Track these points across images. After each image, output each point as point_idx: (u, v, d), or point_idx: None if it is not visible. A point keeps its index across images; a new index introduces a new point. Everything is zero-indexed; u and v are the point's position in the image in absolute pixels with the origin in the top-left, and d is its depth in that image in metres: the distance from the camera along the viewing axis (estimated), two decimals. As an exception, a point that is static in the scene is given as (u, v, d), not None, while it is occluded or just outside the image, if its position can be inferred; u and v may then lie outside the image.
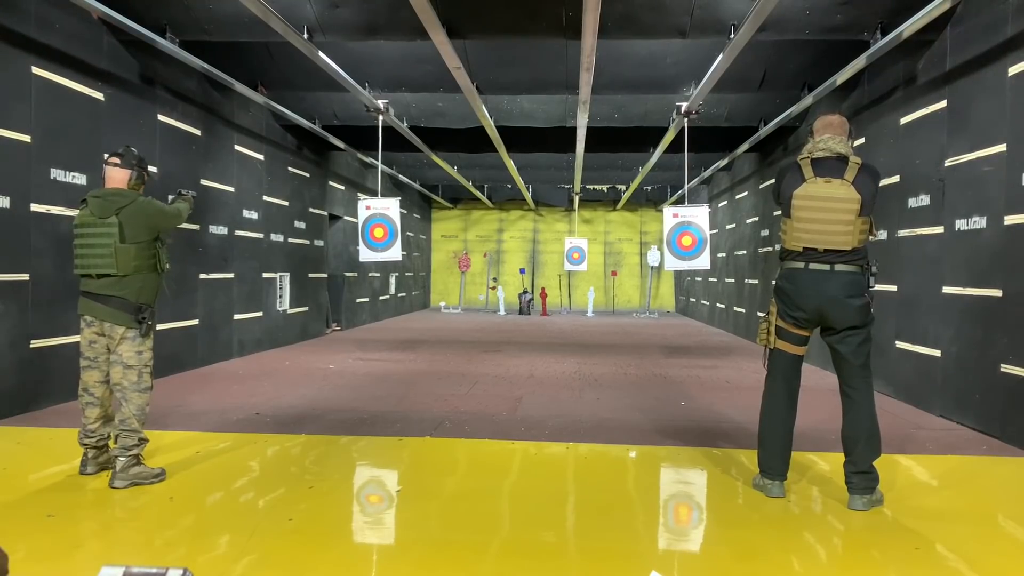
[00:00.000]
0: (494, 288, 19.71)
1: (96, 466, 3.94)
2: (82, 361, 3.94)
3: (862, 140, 7.48)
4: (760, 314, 10.16)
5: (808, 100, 7.76)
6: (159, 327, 7.16)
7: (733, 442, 4.85)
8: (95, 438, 3.92)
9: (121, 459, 3.73)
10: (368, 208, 8.31)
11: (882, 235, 6.91)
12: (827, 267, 3.58)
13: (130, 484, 3.70)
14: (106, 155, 3.99)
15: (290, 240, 10.49)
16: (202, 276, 8.03)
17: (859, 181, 3.54)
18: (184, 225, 7.52)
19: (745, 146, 10.50)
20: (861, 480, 3.55)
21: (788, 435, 3.75)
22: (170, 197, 4.27)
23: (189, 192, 4.33)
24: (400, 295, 17.37)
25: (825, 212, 3.55)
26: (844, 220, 3.52)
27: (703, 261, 8.06)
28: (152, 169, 6.97)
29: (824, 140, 3.65)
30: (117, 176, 3.88)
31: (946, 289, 5.71)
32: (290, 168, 10.57)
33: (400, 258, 8.43)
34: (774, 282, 3.82)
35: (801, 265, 3.64)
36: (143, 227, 3.82)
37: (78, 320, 3.95)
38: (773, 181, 3.94)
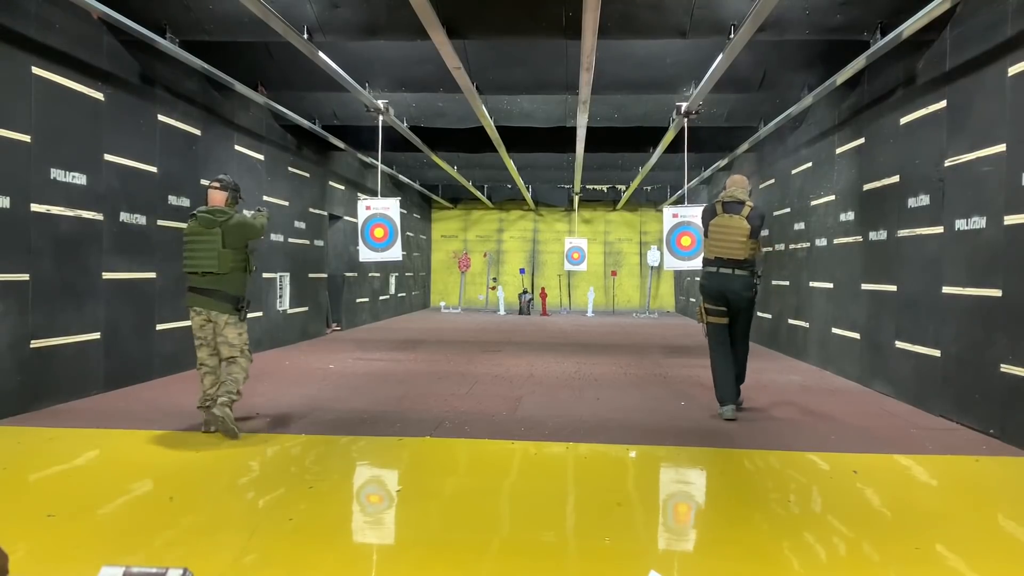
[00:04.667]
0: (494, 288, 19.70)
1: (210, 424, 4.84)
2: (196, 341, 4.96)
3: (862, 140, 7.49)
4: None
5: (808, 100, 7.76)
6: (159, 327, 7.19)
7: (733, 442, 4.85)
8: (211, 401, 4.86)
9: (221, 399, 4.71)
10: (368, 208, 8.31)
11: (882, 235, 6.91)
12: (729, 271, 5.53)
13: (223, 419, 4.65)
14: (208, 181, 5.13)
15: (290, 240, 10.49)
16: (202, 276, 8.02)
17: (750, 217, 5.50)
18: (184, 225, 7.55)
19: (745, 146, 10.51)
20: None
21: (731, 373, 5.63)
22: (249, 213, 5.18)
23: (264, 209, 5.40)
24: (400, 295, 17.37)
25: (728, 235, 5.52)
26: (740, 241, 5.49)
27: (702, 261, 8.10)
28: (152, 169, 7.02)
29: (731, 191, 5.67)
30: (218, 197, 5.01)
31: (946, 289, 5.71)
32: (290, 168, 10.57)
33: (400, 258, 8.43)
34: (698, 279, 5.83)
35: (714, 269, 5.61)
36: (239, 236, 4.92)
37: (187, 311, 5.00)
38: (701, 213, 5.93)
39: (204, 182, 7.93)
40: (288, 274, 10.40)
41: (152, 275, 7.07)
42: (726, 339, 5.65)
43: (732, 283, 5.52)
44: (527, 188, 17.47)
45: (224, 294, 4.86)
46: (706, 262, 5.70)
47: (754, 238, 5.49)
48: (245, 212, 5.23)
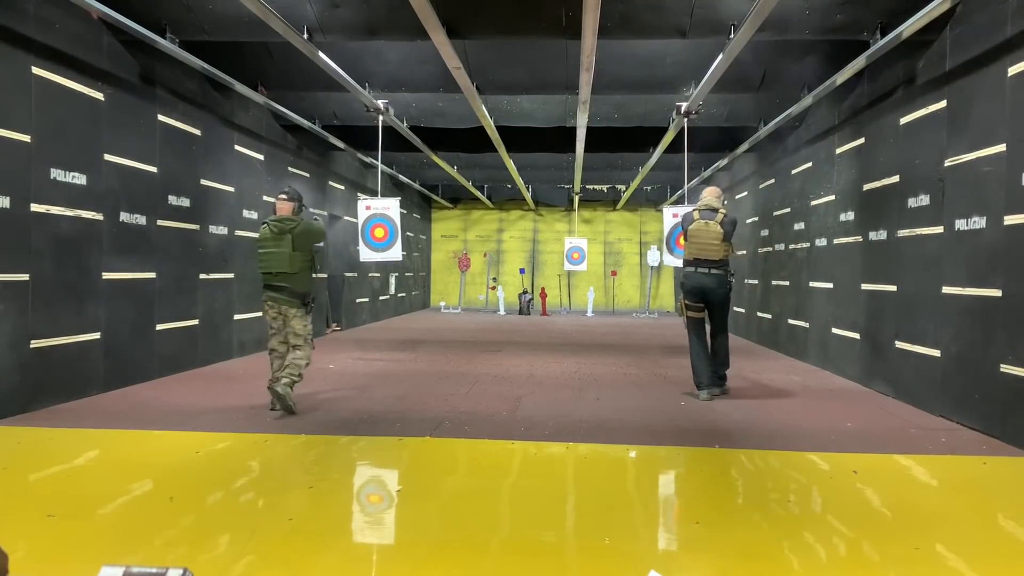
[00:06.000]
0: (494, 288, 19.70)
1: (276, 402, 5.51)
2: (269, 331, 5.76)
3: (862, 140, 7.49)
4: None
5: (808, 100, 7.76)
6: (159, 327, 7.19)
7: (733, 442, 4.85)
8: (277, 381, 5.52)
9: (284, 380, 5.43)
10: (368, 208, 8.31)
11: (882, 235, 6.92)
12: (707, 270, 6.34)
13: (283, 396, 5.38)
14: (278, 193, 5.78)
15: (290, 240, 10.47)
16: (202, 276, 8.03)
17: (723, 223, 6.35)
18: (183, 225, 7.58)
19: (745, 146, 10.51)
20: (721, 381, 6.52)
21: (708, 362, 6.43)
22: (309, 218, 5.82)
23: (317, 217, 5.97)
24: (400, 295, 17.37)
25: (704, 238, 6.36)
26: (715, 243, 6.33)
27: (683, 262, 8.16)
28: (152, 169, 7.02)
29: (706, 200, 6.54)
30: (286, 207, 5.70)
31: (946, 289, 5.71)
32: (290, 168, 10.57)
33: (401, 258, 8.43)
34: (680, 279, 6.64)
35: (692, 268, 6.42)
36: (306, 241, 5.65)
37: (263, 304, 5.71)
38: (680, 221, 7.03)
39: (204, 182, 8.00)
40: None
41: (152, 275, 7.07)
42: (703, 331, 6.49)
43: (709, 280, 6.34)
44: (527, 188, 17.47)
45: (293, 291, 5.60)
46: (686, 263, 6.49)
47: (727, 241, 6.36)
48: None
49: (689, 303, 6.43)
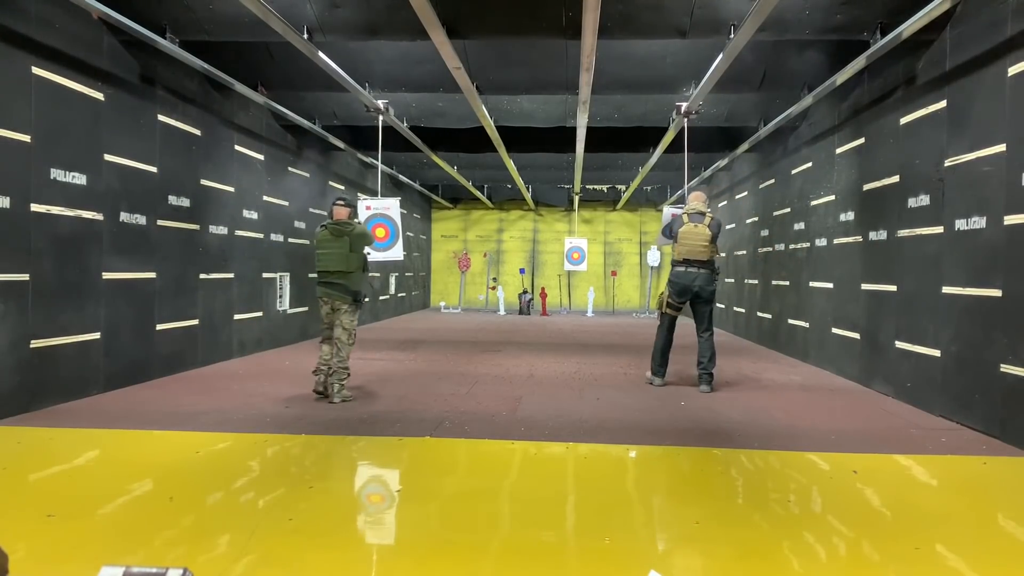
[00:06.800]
0: (494, 288, 19.70)
1: (320, 386, 6.20)
2: (322, 325, 6.35)
3: (862, 140, 7.49)
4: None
5: (808, 100, 7.76)
6: (159, 327, 7.19)
7: (733, 442, 4.85)
8: (325, 368, 6.20)
9: (336, 386, 6.05)
10: (369, 208, 8.32)
11: (882, 235, 6.92)
12: (696, 269, 6.82)
13: (341, 401, 6.02)
14: (335, 199, 6.39)
15: (290, 240, 10.49)
16: (202, 276, 8.03)
17: (710, 225, 6.82)
18: (183, 225, 7.58)
19: (745, 146, 10.51)
20: (709, 377, 6.87)
21: (667, 354, 7.11)
22: (358, 222, 6.49)
23: (359, 221, 6.72)
24: (400, 295, 17.37)
25: (694, 240, 6.81)
26: (703, 245, 6.80)
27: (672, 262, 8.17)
28: (152, 169, 7.01)
29: (693, 205, 7.00)
30: (343, 213, 6.32)
31: (946, 289, 5.71)
32: (290, 168, 10.57)
33: (402, 258, 8.43)
34: (669, 277, 6.98)
35: (683, 268, 6.87)
36: (361, 243, 6.28)
37: (318, 299, 6.31)
38: (663, 224, 7.32)
39: (204, 182, 8.00)
40: (288, 274, 10.40)
41: (152, 275, 7.07)
42: (673, 327, 7.09)
43: (698, 279, 6.82)
44: (527, 188, 17.47)
45: (346, 288, 6.17)
46: (675, 263, 6.95)
47: (713, 243, 6.83)
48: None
49: (672, 301, 6.93)
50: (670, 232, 7.04)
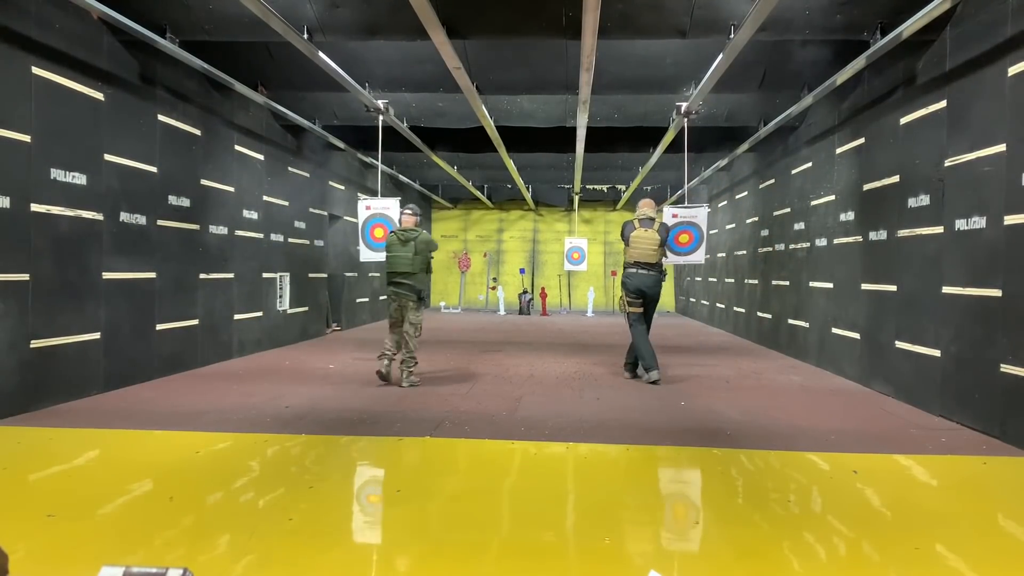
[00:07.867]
0: (494, 288, 19.70)
1: (385, 369, 6.94)
2: (390, 320, 7.11)
3: (862, 140, 7.49)
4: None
5: (808, 100, 7.76)
6: (159, 327, 7.19)
7: (733, 442, 4.85)
8: (390, 353, 6.99)
9: (405, 372, 6.89)
10: (368, 208, 8.32)
11: (882, 235, 6.92)
12: (645, 271, 7.36)
13: (409, 385, 6.80)
14: (403, 208, 7.21)
15: (290, 240, 10.49)
16: (202, 276, 8.03)
17: (659, 230, 7.40)
18: (183, 225, 7.58)
19: (745, 146, 10.51)
20: (634, 367, 7.57)
21: (651, 347, 7.41)
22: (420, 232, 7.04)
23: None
24: (400, 295, 17.33)
25: (644, 244, 7.34)
26: (652, 248, 7.34)
27: (698, 256, 8.21)
28: (152, 169, 7.02)
29: (643, 211, 7.49)
30: (410, 220, 7.10)
31: (946, 289, 5.71)
32: (290, 168, 10.57)
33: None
34: (622, 279, 7.53)
35: (634, 270, 7.39)
36: (425, 248, 7.01)
37: (388, 297, 7.09)
38: (623, 228, 7.61)
39: (204, 182, 8.01)
40: (288, 274, 10.40)
41: (152, 275, 7.07)
42: (644, 322, 7.48)
43: (647, 280, 7.36)
44: (527, 188, 17.47)
45: (412, 287, 6.93)
46: (627, 265, 7.46)
47: (662, 247, 7.39)
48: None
49: (631, 300, 7.45)
50: (624, 236, 7.55)
